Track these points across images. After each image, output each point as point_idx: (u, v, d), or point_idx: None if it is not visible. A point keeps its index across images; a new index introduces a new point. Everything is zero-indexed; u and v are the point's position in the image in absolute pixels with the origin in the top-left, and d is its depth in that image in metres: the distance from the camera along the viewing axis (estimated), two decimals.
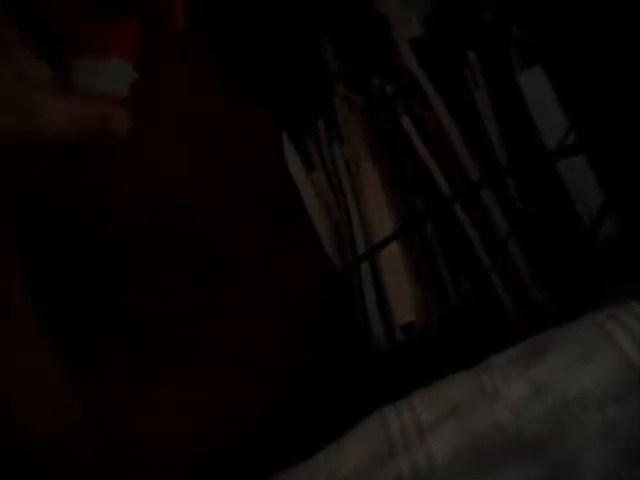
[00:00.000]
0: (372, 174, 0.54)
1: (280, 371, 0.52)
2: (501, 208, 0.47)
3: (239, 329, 0.54)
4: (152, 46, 0.60)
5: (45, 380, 0.45)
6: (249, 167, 0.60)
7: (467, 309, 0.51)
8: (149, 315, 0.52)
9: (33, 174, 0.51)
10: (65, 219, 0.53)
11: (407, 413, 0.36)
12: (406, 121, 0.50)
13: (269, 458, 0.40)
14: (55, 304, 0.50)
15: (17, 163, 0.45)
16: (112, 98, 0.40)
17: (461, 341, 0.51)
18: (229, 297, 0.54)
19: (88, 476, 0.46)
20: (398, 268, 0.52)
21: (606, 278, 0.46)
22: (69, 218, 0.53)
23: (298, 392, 0.52)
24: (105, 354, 0.50)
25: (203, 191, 0.59)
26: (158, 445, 0.49)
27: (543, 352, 0.36)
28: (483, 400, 0.35)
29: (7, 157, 0.39)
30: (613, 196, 0.42)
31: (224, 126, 0.60)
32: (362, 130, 0.54)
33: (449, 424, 0.35)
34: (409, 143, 0.51)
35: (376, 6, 0.52)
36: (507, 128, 0.47)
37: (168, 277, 0.54)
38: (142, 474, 0.48)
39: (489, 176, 0.45)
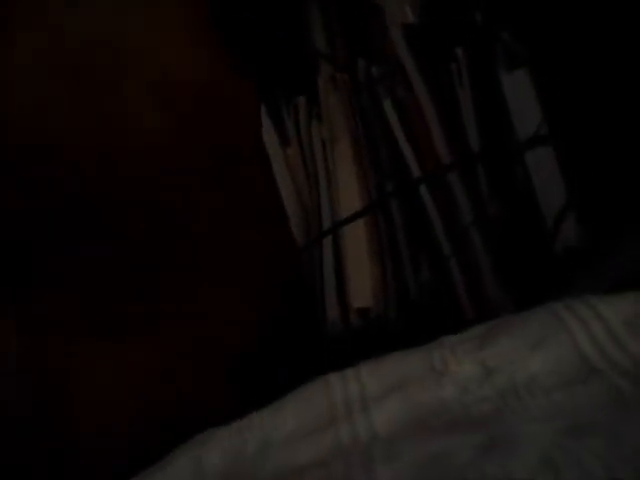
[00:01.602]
0: (347, 155, 0.53)
1: (233, 344, 0.51)
2: (467, 198, 0.47)
3: (197, 300, 0.52)
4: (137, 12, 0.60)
5: None
6: (226, 138, 0.59)
7: (424, 299, 0.50)
8: (103, 275, 0.50)
9: None
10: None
11: (353, 383, 0.35)
12: (388, 104, 0.50)
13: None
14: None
15: None
16: None
17: (416, 330, 0.50)
18: (188, 265, 0.53)
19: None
20: (361, 251, 0.52)
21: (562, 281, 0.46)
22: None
23: (250, 364, 0.51)
24: (52, 307, 0.49)
25: (171, 159, 0.58)
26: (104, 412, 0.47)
27: (497, 335, 0.36)
28: (431, 376, 0.34)
29: None
30: (575, 195, 0.42)
31: (206, 95, 0.59)
32: (343, 110, 0.54)
33: (394, 397, 0.34)
34: (388, 126, 0.50)
35: None
36: (485, 124, 0.48)
37: (127, 240, 0.53)
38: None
39: (459, 161, 0.45)
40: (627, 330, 0.33)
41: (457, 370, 0.34)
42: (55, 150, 0.52)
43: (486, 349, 0.35)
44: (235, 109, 0.59)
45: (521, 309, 0.47)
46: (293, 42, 0.59)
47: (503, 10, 0.54)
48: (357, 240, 0.52)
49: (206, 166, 0.58)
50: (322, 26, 0.57)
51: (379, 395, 0.34)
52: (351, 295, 0.53)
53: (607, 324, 0.34)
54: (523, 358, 0.33)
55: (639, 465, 0.22)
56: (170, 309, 0.50)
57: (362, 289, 0.53)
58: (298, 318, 0.55)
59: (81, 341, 0.46)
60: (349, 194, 0.53)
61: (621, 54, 0.42)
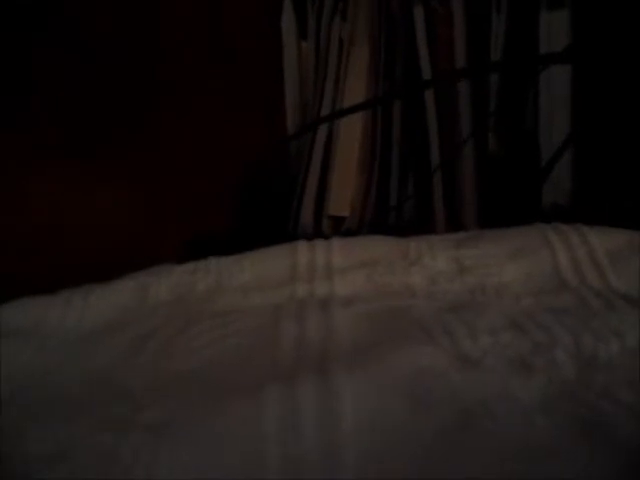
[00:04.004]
0: (361, 59, 0.51)
1: (207, 207, 0.49)
2: (472, 110, 0.45)
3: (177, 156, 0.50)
4: None
5: None
6: (243, 18, 0.57)
7: (402, 219, 0.49)
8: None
9: None
10: None
11: (321, 252, 0.34)
12: (419, 10, 0.48)
13: None
14: None
15: None
16: None
17: None
18: (175, 121, 0.50)
19: None
20: (351, 153, 0.50)
21: None
22: None
23: (214, 242, 0.49)
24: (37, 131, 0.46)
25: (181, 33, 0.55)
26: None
27: (479, 240, 0.34)
28: (403, 263, 0.33)
29: None
30: (580, 126, 0.40)
31: None
32: (370, 13, 0.51)
33: (359, 272, 0.32)
34: (412, 34, 0.48)
35: None
36: (511, 41, 0.45)
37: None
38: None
39: (472, 68, 0.43)
40: (610, 260, 0.32)
41: (430, 263, 0.33)
42: None
43: (464, 249, 0.33)
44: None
45: None
46: None
47: None
48: (350, 139, 0.50)
49: (218, 38, 0.55)
50: None
51: (345, 267, 0.32)
52: (330, 201, 0.51)
53: (591, 251, 0.33)
54: (499, 264, 0.32)
55: (608, 339, 0.21)
56: (150, 152, 0.48)
57: (342, 197, 0.51)
58: (273, 210, 0.53)
59: (62, 164, 0.44)
60: (354, 95, 0.51)
61: None
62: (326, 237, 0.52)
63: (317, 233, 0.52)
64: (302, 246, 0.34)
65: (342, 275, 0.32)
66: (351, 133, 0.48)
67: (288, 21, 0.56)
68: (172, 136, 0.48)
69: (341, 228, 0.52)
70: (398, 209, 0.49)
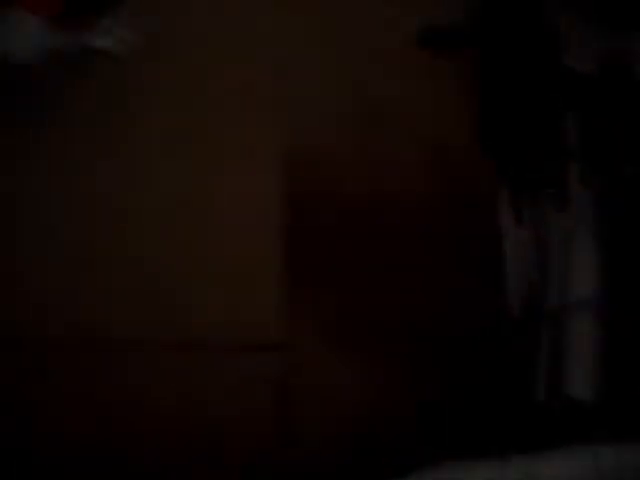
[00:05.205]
0: (586, 248, 0.55)
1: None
2: None
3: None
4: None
5: None
6: (467, 214, 0.66)
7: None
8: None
9: None
10: None
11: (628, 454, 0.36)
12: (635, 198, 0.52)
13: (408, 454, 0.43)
14: None
15: None
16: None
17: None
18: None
19: None
20: (585, 339, 0.52)
21: None
22: None
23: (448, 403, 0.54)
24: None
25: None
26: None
27: None
28: None
29: None
30: None
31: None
32: (590, 208, 0.56)
33: None
34: (636, 229, 0.52)
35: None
36: None
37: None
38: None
39: None
40: None
41: None
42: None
43: None
44: (481, 188, 0.65)
45: None
46: (548, 143, 0.63)
47: None
48: (583, 330, 0.52)
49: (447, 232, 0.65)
50: (579, 129, 0.61)
51: None
52: (567, 382, 0.53)
53: None
54: None
55: None
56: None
57: (579, 379, 0.53)
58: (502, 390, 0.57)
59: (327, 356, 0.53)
60: (582, 282, 0.54)
61: None
62: (559, 412, 0.55)
63: (551, 410, 0.54)
64: (604, 449, 0.36)
65: None
66: (583, 325, 0.51)
67: (505, 211, 0.63)
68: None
69: (576, 402, 0.54)
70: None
